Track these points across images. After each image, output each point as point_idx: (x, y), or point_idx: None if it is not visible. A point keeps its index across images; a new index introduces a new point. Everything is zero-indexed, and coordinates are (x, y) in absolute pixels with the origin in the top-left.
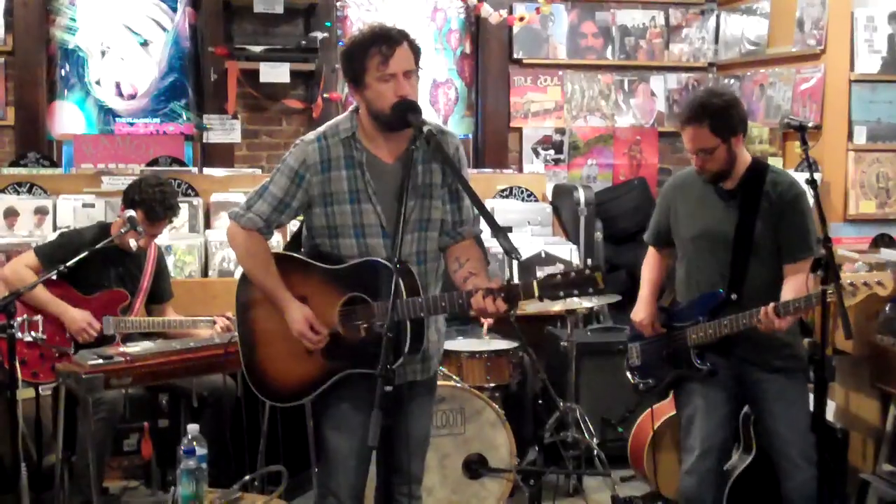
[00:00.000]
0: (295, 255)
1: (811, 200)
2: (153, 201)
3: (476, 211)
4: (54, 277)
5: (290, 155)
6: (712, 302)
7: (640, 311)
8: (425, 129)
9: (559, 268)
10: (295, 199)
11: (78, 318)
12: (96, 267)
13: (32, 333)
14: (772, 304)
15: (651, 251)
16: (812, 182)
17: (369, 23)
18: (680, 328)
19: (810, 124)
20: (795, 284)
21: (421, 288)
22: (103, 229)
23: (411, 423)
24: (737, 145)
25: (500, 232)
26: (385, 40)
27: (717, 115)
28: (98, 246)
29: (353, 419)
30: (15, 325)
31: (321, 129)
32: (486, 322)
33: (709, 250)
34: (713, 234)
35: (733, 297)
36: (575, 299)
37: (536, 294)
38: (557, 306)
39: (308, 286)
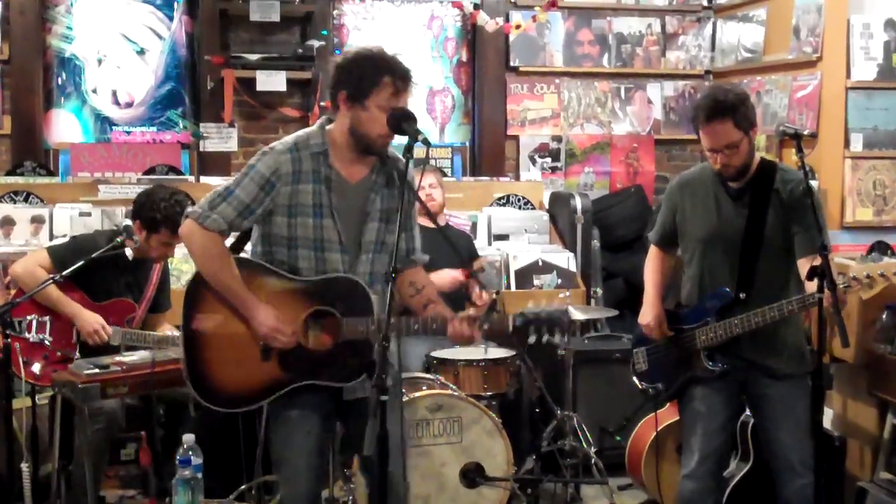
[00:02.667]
0: (258, 262)
1: None
2: (176, 215)
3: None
4: (61, 281)
5: (259, 162)
6: (720, 301)
7: (647, 314)
8: (420, 137)
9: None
10: (262, 206)
11: (91, 319)
12: (107, 274)
13: (39, 335)
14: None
15: (654, 251)
16: (808, 191)
17: (377, 46)
18: (689, 330)
19: (806, 132)
20: None
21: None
22: (114, 236)
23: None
24: (754, 138)
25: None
26: (402, 76)
27: (738, 108)
28: (96, 255)
29: (303, 427)
30: (21, 325)
31: (291, 139)
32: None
33: (720, 250)
34: (724, 233)
35: (742, 296)
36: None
37: (510, 329)
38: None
39: (268, 294)
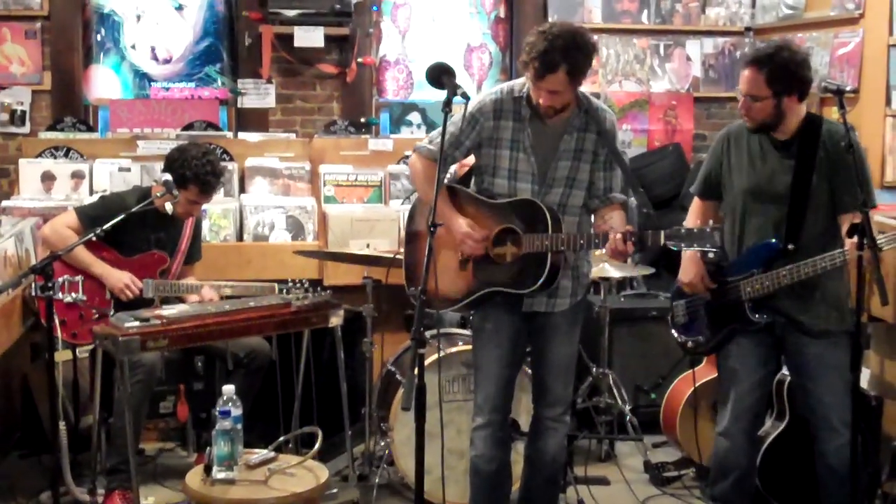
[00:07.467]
0: (465, 189)
1: None
2: (206, 174)
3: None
4: (94, 240)
5: (471, 102)
6: (767, 253)
7: (689, 271)
8: (459, 91)
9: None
10: (469, 138)
11: (120, 276)
12: (136, 230)
13: (72, 295)
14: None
15: (696, 204)
16: (849, 147)
17: (560, 30)
18: (733, 281)
19: (848, 88)
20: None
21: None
22: (144, 194)
23: (549, 347)
24: (788, 104)
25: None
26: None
27: (779, 68)
28: (136, 209)
29: (493, 338)
30: (55, 285)
31: (504, 84)
32: None
33: (762, 203)
34: (768, 187)
35: (790, 247)
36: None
37: (662, 242)
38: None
39: (470, 213)
